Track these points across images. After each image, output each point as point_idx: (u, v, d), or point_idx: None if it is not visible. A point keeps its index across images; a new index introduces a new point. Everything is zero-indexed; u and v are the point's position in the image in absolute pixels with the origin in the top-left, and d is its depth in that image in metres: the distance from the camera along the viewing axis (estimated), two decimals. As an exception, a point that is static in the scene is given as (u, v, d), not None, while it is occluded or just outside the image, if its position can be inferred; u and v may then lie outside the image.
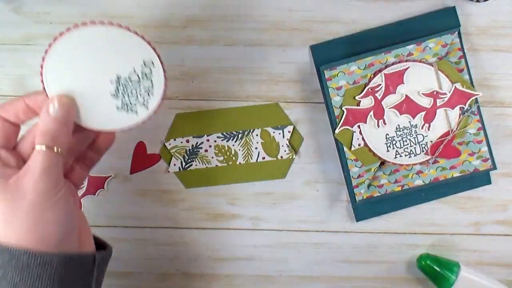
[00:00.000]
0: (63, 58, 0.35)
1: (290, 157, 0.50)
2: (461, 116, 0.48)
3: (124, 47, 0.35)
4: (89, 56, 0.35)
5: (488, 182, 0.50)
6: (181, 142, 0.49)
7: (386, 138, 0.48)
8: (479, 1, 0.48)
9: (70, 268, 0.33)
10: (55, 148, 0.33)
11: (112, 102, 0.36)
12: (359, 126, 0.48)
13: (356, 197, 0.49)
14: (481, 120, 0.48)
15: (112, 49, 0.35)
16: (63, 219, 0.33)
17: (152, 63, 0.36)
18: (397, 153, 0.48)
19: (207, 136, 0.49)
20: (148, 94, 0.37)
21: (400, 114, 0.48)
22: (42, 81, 0.35)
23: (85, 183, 0.49)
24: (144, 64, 0.36)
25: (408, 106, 0.47)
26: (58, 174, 0.34)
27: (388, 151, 0.48)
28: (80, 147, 0.39)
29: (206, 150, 0.49)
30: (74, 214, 0.35)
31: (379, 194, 0.49)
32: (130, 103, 0.36)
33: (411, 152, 0.48)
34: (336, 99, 0.48)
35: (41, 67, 0.35)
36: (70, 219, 0.34)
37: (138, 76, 0.36)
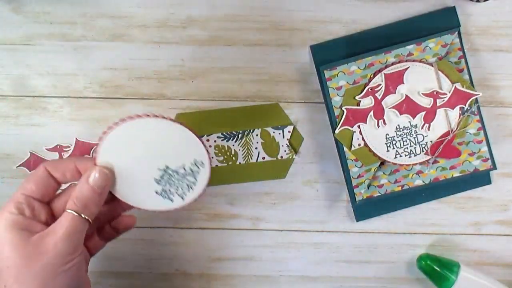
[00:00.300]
0: (123, 138, 0.37)
1: (290, 157, 0.50)
2: (461, 116, 0.48)
3: (182, 143, 0.38)
4: (147, 142, 0.37)
5: (488, 182, 0.50)
6: (181, 142, 0.49)
7: (386, 138, 0.48)
8: (479, 1, 0.48)
9: None
10: (84, 215, 0.35)
11: (153, 186, 0.38)
12: (359, 126, 0.48)
13: (356, 197, 0.49)
14: (481, 120, 0.48)
15: (170, 142, 0.37)
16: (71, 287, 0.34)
17: (202, 163, 0.38)
18: (397, 153, 0.48)
19: (207, 136, 0.49)
20: (189, 188, 0.39)
21: (400, 114, 0.48)
22: (97, 151, 0.37)
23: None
24: (194, 163, 0.38)
25: (408, 106, 0.47)
26: (79, 240, 0.35)
27: (388, 151, 0.48)
28: (105, 218, 0.40)
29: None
30: (83, 283, 0.36)
31: (379, 194, 0.49)
32: (170, 192, 0.39)
33: (411, 152, 0.48)
34: (336, 99, 0.48)
35: (100, 139, 0.36)
36: None
37: (185, 171, 0.38)
